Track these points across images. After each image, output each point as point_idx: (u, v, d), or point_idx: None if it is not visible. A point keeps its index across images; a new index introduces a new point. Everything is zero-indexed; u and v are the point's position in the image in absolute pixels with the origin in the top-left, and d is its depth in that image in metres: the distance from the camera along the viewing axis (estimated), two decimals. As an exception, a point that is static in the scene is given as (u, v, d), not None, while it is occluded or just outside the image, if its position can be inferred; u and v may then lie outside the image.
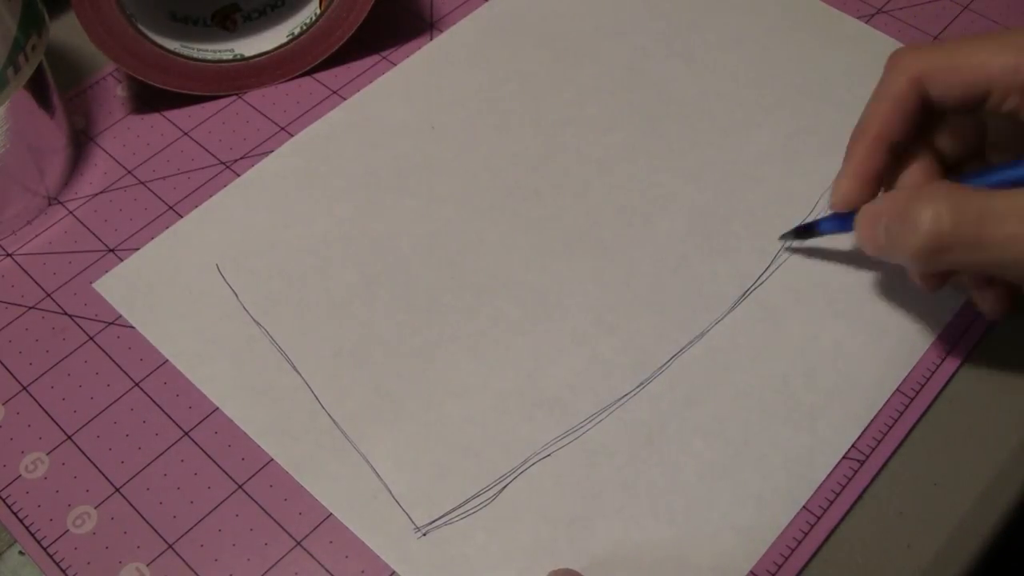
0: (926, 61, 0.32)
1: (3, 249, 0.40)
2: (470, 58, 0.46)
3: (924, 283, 0.34)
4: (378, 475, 0.34)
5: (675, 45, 0.46)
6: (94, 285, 0.39)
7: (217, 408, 0.36)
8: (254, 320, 0.38)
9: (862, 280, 0.38)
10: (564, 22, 0.47)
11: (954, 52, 0.32)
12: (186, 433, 0.35)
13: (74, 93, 0.46)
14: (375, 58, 0.47)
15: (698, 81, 0.45)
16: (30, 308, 0.39)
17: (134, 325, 0.38)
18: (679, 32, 0.46)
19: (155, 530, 0.33)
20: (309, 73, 0.46)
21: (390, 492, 0.34)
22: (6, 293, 0.39)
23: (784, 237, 0.39)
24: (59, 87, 0.42)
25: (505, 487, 0.34)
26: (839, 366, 0.36)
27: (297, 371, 0.36)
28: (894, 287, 0.38)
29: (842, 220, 0.35)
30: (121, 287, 0.39)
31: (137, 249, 0.40)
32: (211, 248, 0.40)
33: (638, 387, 0.36)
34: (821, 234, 0.37)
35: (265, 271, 0.39)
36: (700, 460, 0.34)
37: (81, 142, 0.44)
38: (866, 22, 0.48)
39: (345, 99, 0.45)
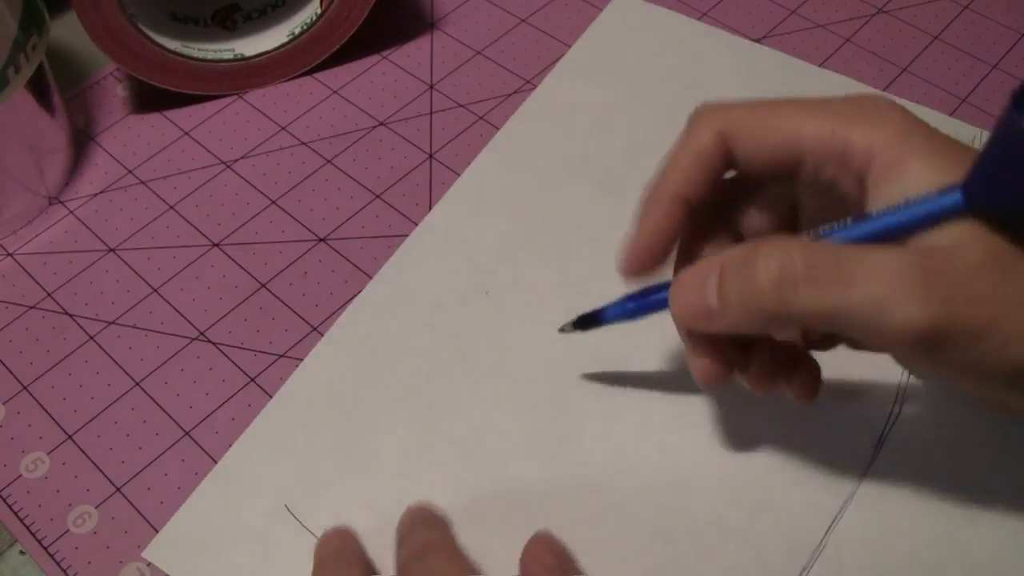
0: (734, 118, 0.29)
1: (3, 249, 0.40)
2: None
3: (701, 372, 0.29)
4: None
5: None
6: (144, 554, 0.33)
7: (218, 408, 0.36)
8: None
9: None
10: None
11: (764, 113, 0.28)
12: (186, 433, 0.35)
13: (74, 93, 0.46)
14: (375, 58, 0.47)
15: None
16: (30, 308, 0.39)
17: None
18: None
19: (156, 530, 0.33)
20: (309, 73, 0.46)
21: None
22: (6, 293, 0.39)
23: (563, 329, 0.34)
24: (59, 87, 0.42)
25: None
26: (1005, 509, 0.31)
27: None
28: None
29: (638, 300, 0.31)
30: (175, 551, 0.33)
31: (137, 248, 0.40)
32: (271, 484, 0.34)
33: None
34: (608, 323, 0.32)
35: (341, 502, 0.33)
36: None
37: (81, 142, 0.44)
38: (866, 23, 0.48)
39: (346, 99, 0.45)
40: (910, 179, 0.26)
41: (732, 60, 0.46)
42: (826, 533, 0.32)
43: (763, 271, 0.25)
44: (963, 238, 0.24)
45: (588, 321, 0.33)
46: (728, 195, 0.30)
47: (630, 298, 0.31)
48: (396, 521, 0.32)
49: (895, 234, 0.26)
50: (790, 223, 0.30)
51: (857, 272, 0.24)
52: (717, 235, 0.30)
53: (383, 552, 0.32)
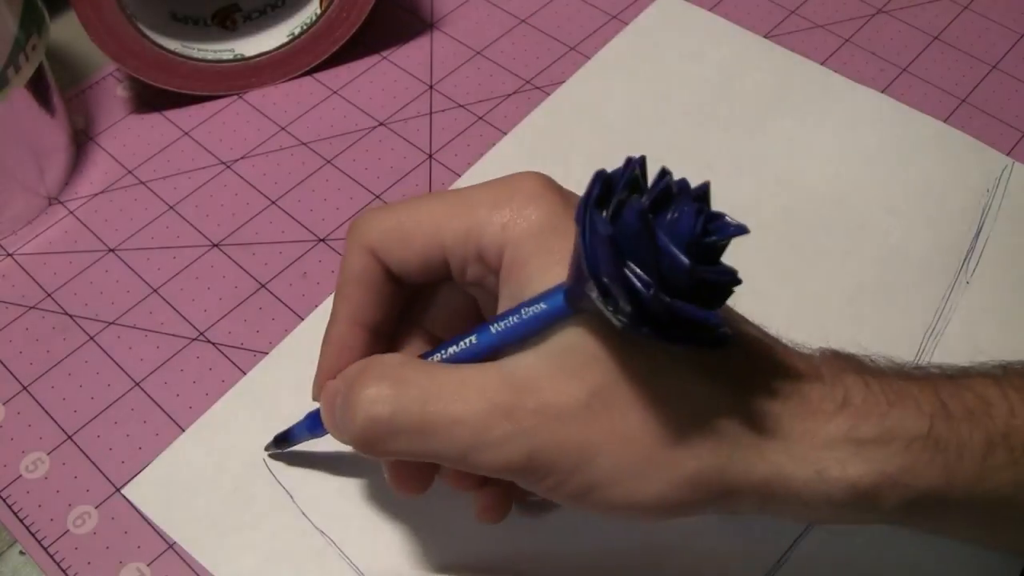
0: (381, 230, 0.27)
1: (3, 249, 0.40)
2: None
3: (398, 484, 0.28)
4: None
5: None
6: (123, 491, 0.34)
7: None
8: (317, 528, 0.33)
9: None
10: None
11: (409, 217, 0.27)
12: (186, 433, 0.35)
13: (74, 93, 0.46)
14: (375, 58, 0.47)
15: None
16: (30, 308, 0.39)
17: (177, 540, 0.33)
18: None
19: (155, 530, 0.33)
20: (309, 73, 0.46)
21: None
22: (6, 293, 0.39)
23: (267, 448, 0.33)
24: (59, 87, 0.42)
25: None
26: None
27: None
28: None
29: (318, 420, 0.30)
30: (152, 491, 0.34)
31: (137, 249, 0.40)
32: (250, 436, 0.34)
33: None
34: (298, 440, 0.32)
35: (321, 461, 0.34)
36: None
37: (81, 142, 0.44)
38: (866, 23, 0.48)
39: (345, 99, 0.45)
40: (530, 282, 0.25)
41: (769, 68, 0.46)
42: None
43: (353, 421, 0.25)
44: (554, 367, 0.23)
45: (282, 440, 0.33)
46: (412, 298, 0.29)
47: (312, 416, 0.31)
48: (373, 489, 0.33)
49: (508, 345, 0.25)
50: (476, 314, 0.29)
51: (442, 416, 0.24)
52: (412, 337, 0.29)
53: (357, 513, 0.33)
